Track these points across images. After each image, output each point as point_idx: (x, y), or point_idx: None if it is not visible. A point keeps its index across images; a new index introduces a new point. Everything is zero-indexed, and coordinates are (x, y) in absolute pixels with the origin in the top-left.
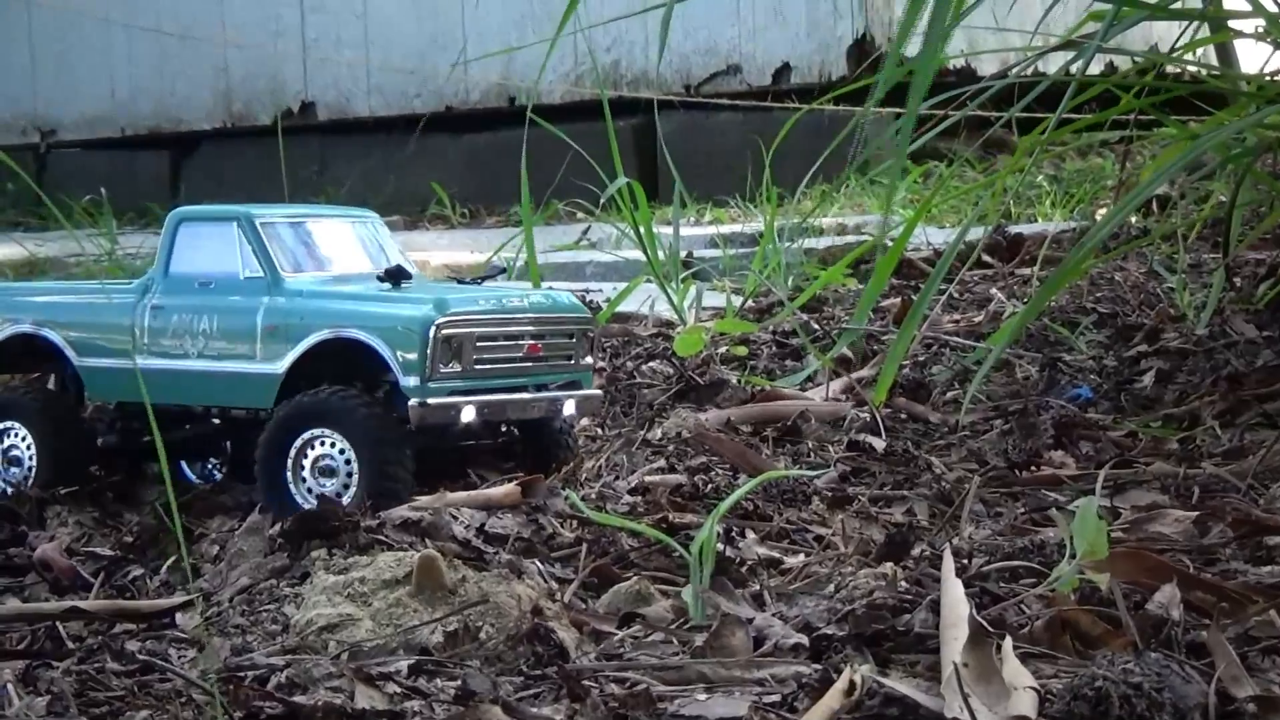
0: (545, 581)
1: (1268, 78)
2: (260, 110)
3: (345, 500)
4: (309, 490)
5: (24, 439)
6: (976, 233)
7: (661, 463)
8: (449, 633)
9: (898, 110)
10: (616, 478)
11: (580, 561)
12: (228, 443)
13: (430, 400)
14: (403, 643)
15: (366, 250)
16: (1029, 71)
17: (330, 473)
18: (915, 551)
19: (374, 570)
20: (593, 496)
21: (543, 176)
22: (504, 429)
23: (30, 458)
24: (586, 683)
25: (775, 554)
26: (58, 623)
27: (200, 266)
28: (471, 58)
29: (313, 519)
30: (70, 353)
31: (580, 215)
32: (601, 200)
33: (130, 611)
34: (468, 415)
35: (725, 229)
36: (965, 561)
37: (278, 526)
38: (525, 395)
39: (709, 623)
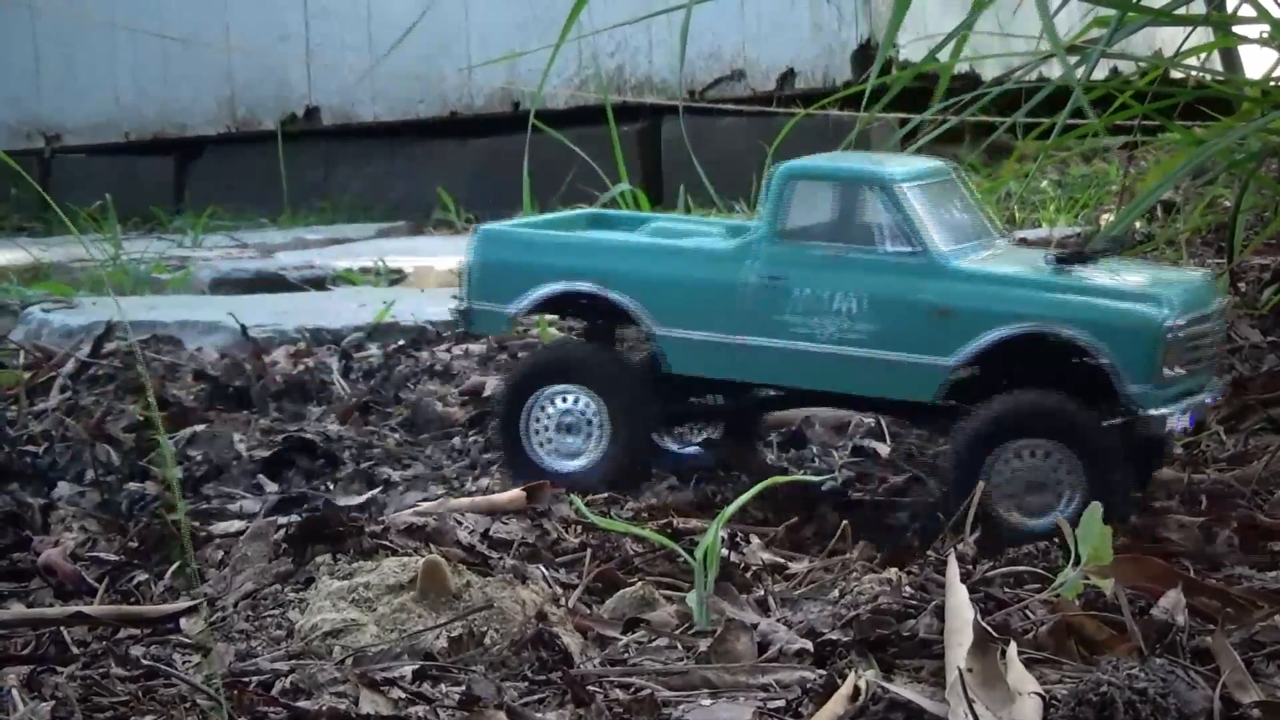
0: (550, 586)
1: (1272, 83)
2: (265, 115)
3: (1059, 513)
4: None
5: (588, 406)
6: None
7: None
8: (453, 638)
9: (903, 115)
10: None
11: (585, 566)
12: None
13: (1159, 410)
14: (407, 648)
15: (973, 213)
16: (1032, 76)
17: (1039, 486)
18: (920, 557)
19: (378, 575)
20: (598, 501)
21: (548, 181)
22: None
23: (599, 429)
24: (591, 688)
25: (780, 559)
26: (62, 628)
27: (823, 234)
28: (476, 63)
29: (317, 524)
30: (648, 319)
31: None
32: (601, 204)
33: (134, 616)
34: (1175, 424)
35: None
36: (969, 567)
37: (282, 532)
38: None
39: (713, 628)
